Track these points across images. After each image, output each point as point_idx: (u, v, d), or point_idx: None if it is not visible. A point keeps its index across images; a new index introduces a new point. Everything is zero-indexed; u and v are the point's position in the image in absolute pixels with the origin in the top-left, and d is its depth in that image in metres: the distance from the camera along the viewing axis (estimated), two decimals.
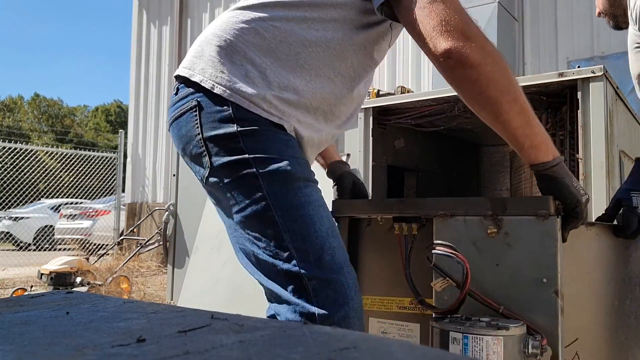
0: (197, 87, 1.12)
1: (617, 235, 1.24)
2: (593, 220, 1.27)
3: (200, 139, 1.10)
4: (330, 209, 1.25)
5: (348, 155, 3.29)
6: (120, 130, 9.25)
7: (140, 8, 9.45)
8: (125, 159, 9.09)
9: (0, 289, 5.69)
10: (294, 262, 1.04)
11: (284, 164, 1.07)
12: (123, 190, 8.94)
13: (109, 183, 9.30)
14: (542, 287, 1.04)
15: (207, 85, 1.10)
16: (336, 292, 1.04)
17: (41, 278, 4.65)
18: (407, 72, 6.49)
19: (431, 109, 3.15)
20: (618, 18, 1.47)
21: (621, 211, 1.23)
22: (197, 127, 1.10)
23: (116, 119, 35.52)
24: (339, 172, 1.47)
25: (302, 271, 1.04)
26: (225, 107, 1.09)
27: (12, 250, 10.42)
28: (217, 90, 1.09)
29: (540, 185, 1.07)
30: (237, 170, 1.07)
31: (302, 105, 1.14)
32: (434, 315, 1.10)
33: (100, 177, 9.28)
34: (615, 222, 1.27)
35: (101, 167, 9.17)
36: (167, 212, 4.30)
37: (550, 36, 5.81)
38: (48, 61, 77.18)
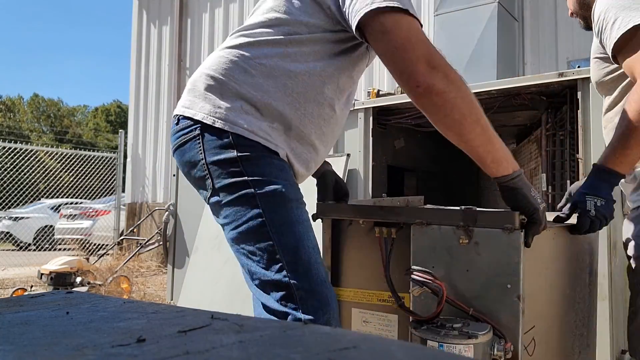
0: (198, 122, 1.25)
1: (572, 233, 1.39)
2: (551, 221, 1.40)
3: (203, 164, 1.24)
4: (316, 211, 1.43)
5: (348, 155, 3.28)
6: (120, 130, 9.24)
7: (140, 8, 9.45)
8: (125, 159, 9.09)
9: (0, 289, 5.69)
10: (284, 272, 1.17)
11: (279, 186, 1.20)
12: (123, 190, 8.95)
13: (109, 183, 9.30)
14: (507, 292, 1.17)
15: (208, 121, 1.23)
16: (320, 302, 1.18)
17: (41, 278, 4.65)
18: None
19: None
20: (588, 20, 1.51)
21: (577, 212, 1.37)
22: (201, 153, 1.24)
23: (116, 119, 35.53)
24: (321, 170, 1.56)
25: (292, 282, 1.16)
26: (225, 136, 1.22)
27: (12, 250, 10.42)
28: (218, 124, 1.22)
29: (503, 195, 1.20)
30: (237, 191, 1.21)
31: (293, 133, 1.27)
32: (411, 319, 1.21)
33: (100, 177, 9.28)
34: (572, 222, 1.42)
35: (101, 167, 9.17)
36: (167, 212, 4.31)
37: (550, 36, 5.81)
38: (48, 61, 77.25)
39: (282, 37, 1.26)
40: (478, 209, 1.26)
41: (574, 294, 1.46)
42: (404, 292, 1.31)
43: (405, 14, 1.14)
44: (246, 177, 1.20)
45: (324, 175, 1.58)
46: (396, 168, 3.96)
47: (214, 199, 1.26)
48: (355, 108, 3.18)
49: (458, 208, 1.28)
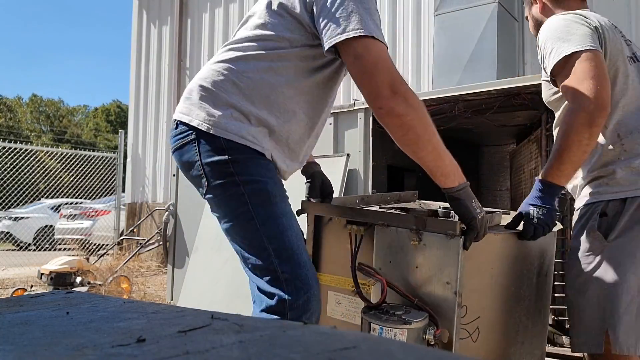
0: (194, 128, 1.42)
1: (520, 238, 1.55)
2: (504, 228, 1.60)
3: (199, 165, 1.41)
4: (300, 207, 1.63)
5: (348, 155, 3.28)
6: (120, 130, 9.24)
7: (140, 8, 9.45)
8: (125, 159, 9.09)
9: (0, 289, 5.69)
10: (270, 259, 1.37)
11: (264, 184, 1.39)
12: (123, 190, 8.94)
13: (109, 183, 9.30)
14: (446, 288, 1.39)
15: (203, 127, 1.40)
16: (302, 283, 1.37)
17: (41, 278, 4.65)
18: (407, 72, 6.49)
19: (431, 109, 3.15)
20: None
21: (523, 220, 1.54)
22: (197, 155, 1.41)
23: (116, 119, 35.51)
24: (311, 171, 1.76)
25: (277, 266, 1.37)
26: (219, 141, 1.39)
27: (12, 250, 10.42)
28: (212, 131, 1.39)
29: (449, 203, 1.39)
30: (229, 189, 1.39)
31: (275, 137, 1.45)
32: (363, 307, 1.42)
33: (100, 177, 9.28)
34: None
35: (101, 167, 9.16)
36: (167, 212, 4.31)
37: None
38: (47, 61, 77.22)
39: (267, 52, 1.43)
40: (429, 218, 1.45)
41: (520, 292, 1.64)
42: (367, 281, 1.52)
43: (374, 40, 1.31)
44: (236, 177, 1.38)
45: (313, 176, 1.76)
46: (396, 168, 3.96)
47: (209, 195, 1.44)
48: (355, 108, 3.18)
49: (412, 215, 1.49)
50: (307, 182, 1.77)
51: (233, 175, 1.38)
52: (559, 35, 1.53)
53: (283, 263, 1.37)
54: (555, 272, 2.52)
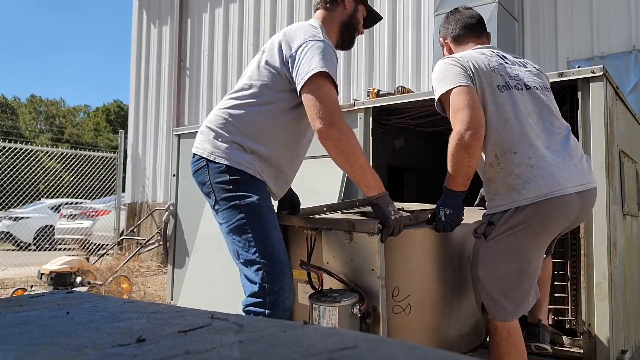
0: (205, 158, 1.92)
1: (437, 232, 2.00)
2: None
3: (209, 184, 1.91)
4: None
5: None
6: (120, 130, 9.23)
7: (140, 8, 9.44)
8: (125, 159, 9.09)
9: (0, 289, 5.69)
10: (256, 255, 1.83)
11: (255, 199, 1.86)
12: (123, 190, 8.94)
13: (109, 183, 9.29)
14: (372, 274, 1.84)
15: (210, 158, 1.91)
16: (278, 274, 1.82)
17: (41, 278, 4.65)
18: (407, 72, 6.49)
19: (431, 109, 3.15)
20: None
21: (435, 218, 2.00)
22: (207, 177, 1.91)
23: (116, 118, 35.48)
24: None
25: (261, 260, 1.82)
26: (221, 167, 1.88)
27: (12, 250, 10.42)
28: (217, 160, 1.90)
29: (371, 207, 1.88)
30: (229, 201, 1.87)
31: (267, 163, 1.92)
32: (310, 294, 1.88)
33: (101, 177, 9.28)
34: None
35: (101, 167, 9.16)
36: (167, 212, 4.30)
37: (550, 36, 5.81)
38: (48, 62, 77.21)
39: (255, 99, 1.93)
40: (356, 219, 1.91)
41: (444, 274, 2.07)
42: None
43: (327, 79, 1.79)
44: (235, 193, 1.86)
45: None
46: (396, 168, 3.96)
47: (217, 206, 1.92)
48: (355, 108, 3.17)
49: (345, 219, 1.92)
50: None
51: (232, 191, 1.86)
52: (438, 77, 1.96)
53: (265, 259, 1.82)
54: (555, 272, 2.52)
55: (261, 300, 1.79)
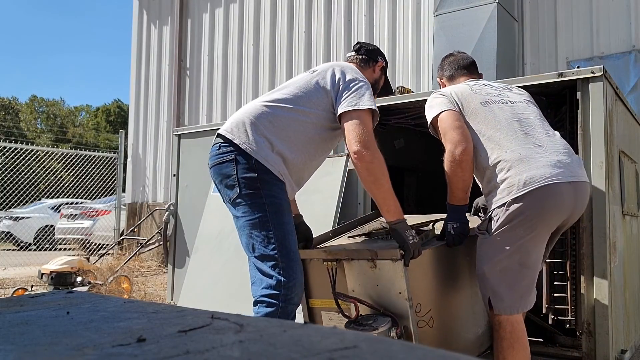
0: (235, 147, 2.02)
1: (448, 246, 2.17)
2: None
3: (235, 177, 2.00)
4: None
5: (348, 155, 3.28)
6: (120, 130, 9.22)
7: (140, 8, 9.44)
8: (125, 159, 9.08)
9: (1, 288, 5.69)
10: (275, 251, 1.95)
11: (279, 200, 2.00)
12: (123, 190, 8.93)
13: (110, 183, 9.29)
14: (399, 297, 1.93)
15: (242, 147, 2.02)
16: (293, 271, 1.95)
17: (42, 278, 4.65)
18: (407, 72, 6.49)
19: None
20: None
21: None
22: (234, 171, 2.01)
23: (116, 119, 35.45)
24: (296, 222, 2.27)
25: (279, 256, 1.95)
26: (251, 162, 1.99)
27: (13, 250, 10.42)
28: (248, 151, 2.01)
29: (390, 232, 2.02)
30: (254, 198, 1.98)
31: (288, 165, 2.07)
32: (345, 322, 1.99)
33: (101, 177, 9.27)
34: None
35: (101, 167, 9.16)
36: (167, 212, 4.30)
37: (550, 36, 5.80)
38: (48, 62, 77.16)
39: (298, 108, 2.10)
40: (378, 249, 1.98)
41: (458, 283, 2.20)
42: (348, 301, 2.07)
43: (371, 117, 2.04)
44: (261, 191, 1.98)
45: (298, 226, 2.26)
46: (396, 168, 3.96)
47: (238, 199, 2.01)
48: None
49: (369, 248, 2.03)
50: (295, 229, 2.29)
51: (259, 189, 1.98)
52: (427, 107, 2.26)
53: (283, 256, 1.95)
54: (555, 272, 2.52)
55: (277, 292, 1.92)
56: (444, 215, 2.30)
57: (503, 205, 1.97)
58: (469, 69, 2.45)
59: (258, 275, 1.98)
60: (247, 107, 2.16)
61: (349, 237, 2.43)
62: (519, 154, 1.99)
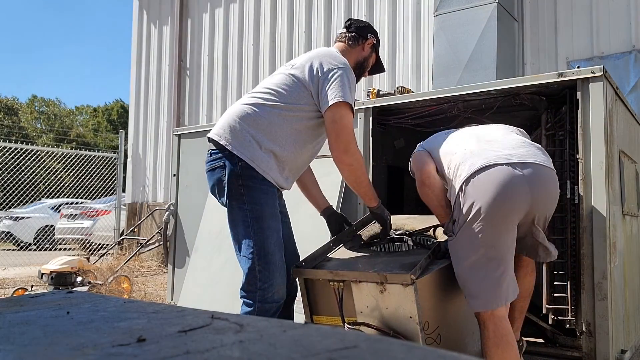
0: (224, 152, 2.14)
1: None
2: None
3: (224, 183, 2.13)
4: (292, 274, 2.23)
5: None
6: (120, 131, 9.23)
7: (140, 8, 9.44)
8: (125, 159, 9.08)
9: (1, 288, 5.69)
10: (253, 255, 2.09)
11: (260, 206, 2.12)
12: (123, 190, 8.93)
13: (110, 183, 9.29)
14: (410, 321, 1.96)
15: (229, 148, 2.13)
16: (269, 273, 2.09)
17: (42, 278, 4.65)
18: (407, 72, 6.49)
19: (431, 109, 3.15)
20: None
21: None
22: (224, 177, 2.14)
23: (118, 118, 35.41)
24: (328, 213, 2.48)
25: (256, 259, 2.09)
26: (237, 167, 2.10)
27: (13, 250, 10.42)
28: (235, 152, 2.12)
29: (372, 215, 2.34)
30: (238, 204, 2.13)
31: (278, 161, 2.17)
32: None
33: (101, 177, 9.27)
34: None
35: (102, 167, 9.16)
36: (167, 212, 4.30)
37: (550, 36, 5.80)
38: (48, 62, 77.13)
39: (279, 104, 2.18)
40: (388, 274, 1.97)
41: (462, 299, 2.16)
42: (353, 316, 2.14)
43: (348, 108, 2.12)
44: (244, 198, 2.11)
45: (330, 216, 2.47)
46: (396, 168, 3.96)
47: (227, 205, 2.16)
48: (355, 108, 3.18)
49: (378, 272, 2.01)
50: (327, 222, 2.47)
51: (242, 195, 2.11)
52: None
53: (260, 259, 2.09)
54: (555, 272, 2.52)
55: (254, 293, 2.08)
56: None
57: (456, 200, 2.03)
58: None
59: (243, 273, 2.14)
60: (232, 108, 2.25)
61: (349, 247, 2.42)
62: (470, 151, 2.08)
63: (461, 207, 2.01)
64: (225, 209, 2.19)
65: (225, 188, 2.12)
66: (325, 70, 2.16)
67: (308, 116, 2.20)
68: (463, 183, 2.00)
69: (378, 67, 2.61)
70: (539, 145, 2.19)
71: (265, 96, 2.20)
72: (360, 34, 2.44)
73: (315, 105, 2.19)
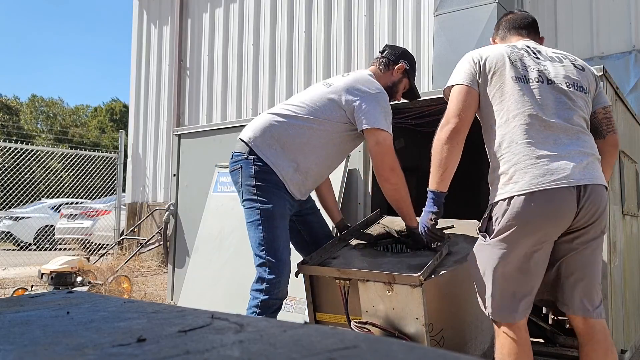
0: (245, 151, 2.35)
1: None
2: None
3: (240, 184, 2.34)
4: (297, 270, 2.32)
5: (348, 155, 3.28)
6: (120, 130, 9.23)
7: (140, 8, 9.44)
8: (125, 159, 9.08)
9: (1, 288, 5.69)
10: (264, 252, 2.25)
11: (271, 207, 2.28)
12: (123, 190, 8.93)
13: (110, 183, 9.29)
14: (416, 322, 1.97)
15: (254, 149, 2.32)
16: (277, 269, 2.23)
17: (42, 278, 4.65)
18: None
19: (431, 109, 3.15)
20: None
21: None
22: (240, 178, 2.34)
23: (121, 118, 35.39)
24: (341, 225, 2.69)
25: (267, 257, 2.24)
26: (255, 165, 2.30)
27: (13, 250, 10.42)
28: (258, 153, 2.32)
29: (410, 234, 2.38)
30: (252, 203, 2.30)
31: (299, 169, 2.34)
32: None
33: (101, 177, 9.27)
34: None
35: (102, 167, 9.15)
36: (167, 212, 4.30)
37: (550, 36, 5.80)
38: (48, 62, 77.12)
39: (311, 117, 2.35)
40: (396, 274, 1.96)
41: (466, 302, 2.18)
42: (358, 315, 2.14)
43: (388, 134, 2.29)
44: (257, 197, 2.29)
45: (343, 229, 2.65)
46: None
47: (243, 204, 2.35)
48: None
49: (386, 272, 2.01)
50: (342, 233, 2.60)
51: (255, 195, 2.28)
52: (453, 72, 2.05)
53: (269, 256, 2.24)
54: None
55: (262, 287, 2.21)
56: (446, 220, 2.32)
57: (503, 201, 1.82)
58: (525, 30, 2.29)
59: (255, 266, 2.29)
60: (265, 116, 2.42)
61: (354, 246, 2.40)
62: (533, 149, 1.81)
63: (506, 211, 1.81)
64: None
65: (242, 188, 2.31)
66: (360, 94, 2.32)
67: (339, 131, 2.35)
68: (518, 189, 1.79)
69: (412, 93, 2.66)
70: (593, 147, 1.93)
71: (299, 108, 2.37)
72: (391, 59, 2.56)
73: (346, 123, 2.34)
